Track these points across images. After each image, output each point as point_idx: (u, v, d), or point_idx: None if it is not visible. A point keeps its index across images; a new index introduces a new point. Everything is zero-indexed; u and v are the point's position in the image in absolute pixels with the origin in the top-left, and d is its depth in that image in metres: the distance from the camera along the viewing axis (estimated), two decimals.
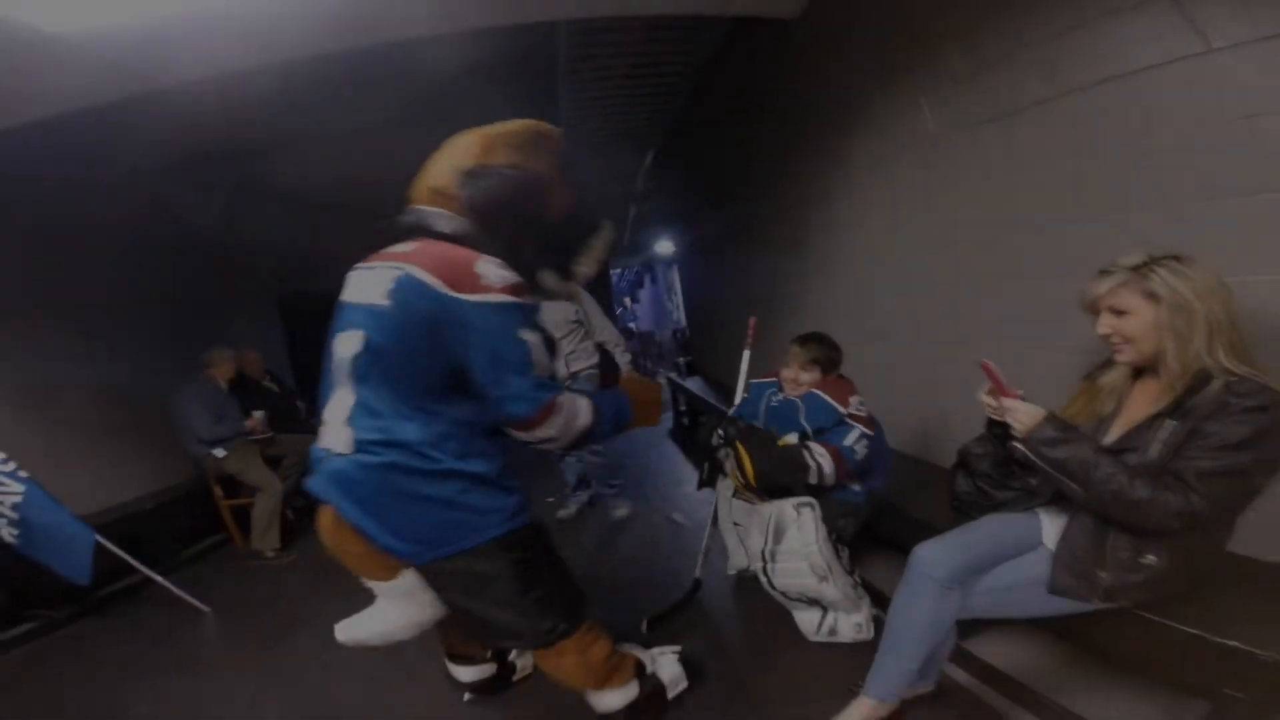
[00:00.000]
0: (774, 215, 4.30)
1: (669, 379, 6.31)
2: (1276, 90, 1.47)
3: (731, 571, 2.66)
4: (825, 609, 2.18)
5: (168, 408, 3.96)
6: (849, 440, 2.15)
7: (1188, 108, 1.63)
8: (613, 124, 5.30)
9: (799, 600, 2.21)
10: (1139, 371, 1.45)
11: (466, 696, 2.09)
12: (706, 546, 2.67)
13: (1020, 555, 1.53)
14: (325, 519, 1.53)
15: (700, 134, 5.64)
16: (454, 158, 1.56)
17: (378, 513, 1.46)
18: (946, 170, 2.53)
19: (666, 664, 1.93)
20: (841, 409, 2.19)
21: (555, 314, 3.24)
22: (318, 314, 6.41)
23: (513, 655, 2.14)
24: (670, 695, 1.89)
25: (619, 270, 15.63)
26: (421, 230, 1.55)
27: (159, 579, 3.21)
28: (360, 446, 1.45)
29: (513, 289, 1.45)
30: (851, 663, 1.79)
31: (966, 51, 2.27)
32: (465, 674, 2.04)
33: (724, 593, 2.67)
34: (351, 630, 1.69)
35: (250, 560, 3.90)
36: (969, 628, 1.99)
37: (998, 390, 1.46)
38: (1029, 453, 1.41)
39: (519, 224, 1.59)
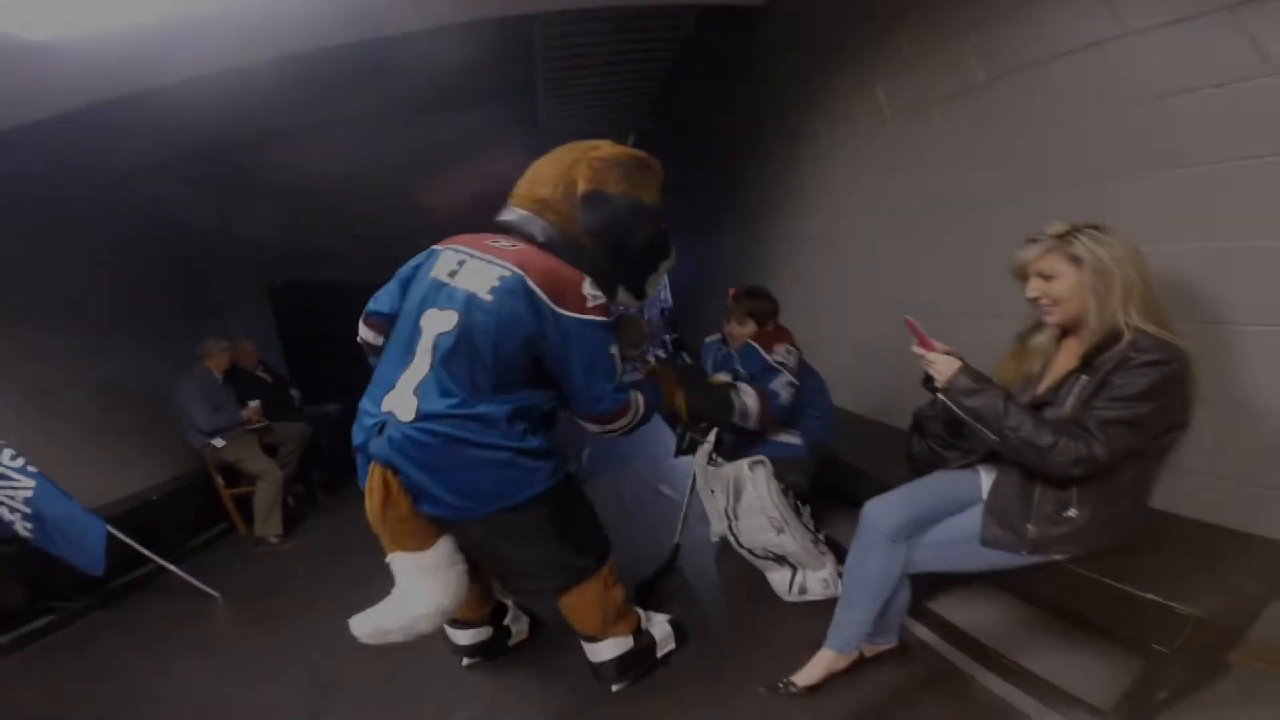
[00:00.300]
0: (749, 192, 4.42)
1: (656, 356, 6.44)
2: (1183, 70, 1.58)
3: (714, 539, 2.81)
4: (795, 568, 2.34)
5: (169, 400, 4.06)
6: (774, 385, 2.35)
7: (1107, 89, 1.75)
8: (591, 108, 5.36)
9: (766, 559, 2.37)
10: (1064, 333, 1.57)
11: (465, 661, 2.23)
12: (685, 513, 2.82)
13: (962, 510, 1.65)
14: (374, 481, 1.63)
15: (678, 115, 5.72)
16: (567, 174, 1.70)
17: (441, 473, 1.60)
18: (899, 150, 2.66)
19: (659, 623, 2.08)
20: (767, 356, 2.40)
21: None
22: (307, 304, 6.57)
23: (508, 619, 2.28)
24: (659, 654, 2.04)
25: None
26: (522, 233, 1.72)
27: (171, 567, 3.31)
28: (426, 416, 1.58)
29: (604, 309, 1.66)
30: (822, 619, 1.91)
31: (914, 38, 2.39)
32: (462, 637, 2.17)
33: (704, 558, 2.83)
34: (371, 622, 1.71)
35: (254, 547, 4.01)
36: (932, 589, 2.16)
37: (921, 343, 1.60)
38: (948, 402, 1.55)
39: (621, 250, 1.77)
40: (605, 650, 1.92)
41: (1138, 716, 1.52)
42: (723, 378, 2.43)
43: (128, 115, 3.32)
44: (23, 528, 2.97)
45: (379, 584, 2.81)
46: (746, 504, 2.30)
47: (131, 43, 2.40)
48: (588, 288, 1.64)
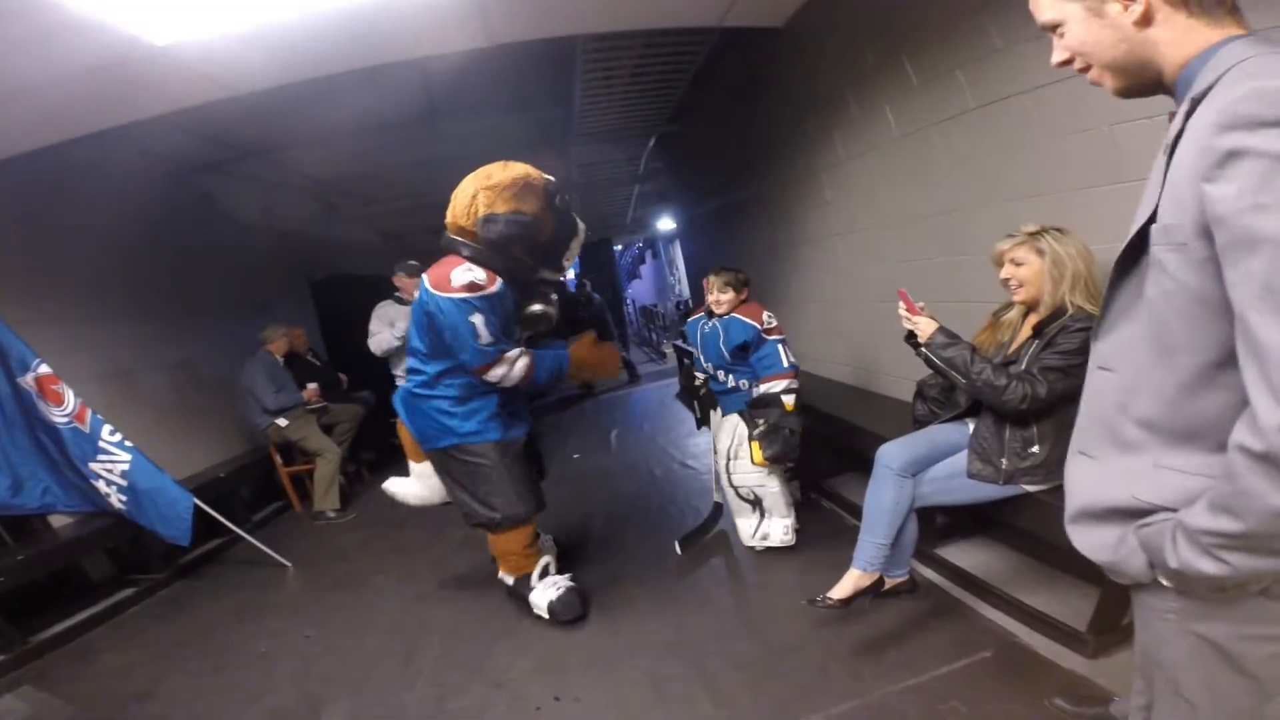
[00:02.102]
0: (768, 194, 4.71)
1: (674, 346, 6.81)
2: (1125, 106, 1.88)
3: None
4: (762, 515, 2.84)
5: (230, 384, 4.37)
6: (781, 351, 2.82)
7: (1070, 117, 2.08)
8: (620, 112, 5.65)
9: (746, 500, 2.86)
10: (1028, 311, 1.99)
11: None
12: (716, 476, 3.14)
13: (954, 453, 2.07)
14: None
15: (700, 120, 5.99)
16: (470, 205, 2.27)
17: (409, 416, 2.52)
18: (904, 165, 2.98)
19: (544, 589, 2.59)
20: (758, 325, 2.81)
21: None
22: (343, 296, 6.92)
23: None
24: (536, 609, 2.58)
25: (621, 248, 16.07)
26: (452, 251, 2.34)
27: (249, 538, 3.62)
28: (408, 380, 2.50)
29: (471, 287, 2.22)
30: (761, 564, 2.53)
31: (919, 66, 2.70)
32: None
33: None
34: (395, 487, 2.84)
35: (314, 521, 4.33)
36: (940, 539, 2.55)
37: (908, 309, 2.05)
38: (928, 354, 2.00)
39: (521, 247, 2.33)
40: (508, 578, 2.68)
41: (1107, 630, 1.87)
42: (759, 423, 2.77)
43: (192, 119, 3.61)
44: (117, 500, 3.24)
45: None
46: (745, 447, 2.79)
47: (237, 49, 2.64)
48: (459, 273, 2.23)
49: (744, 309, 2.87)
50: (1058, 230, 1.88)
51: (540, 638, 2.49)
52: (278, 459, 4.54)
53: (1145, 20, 0.83)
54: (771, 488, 2.81)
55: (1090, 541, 1.00)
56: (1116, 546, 0.95)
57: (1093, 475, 1.00)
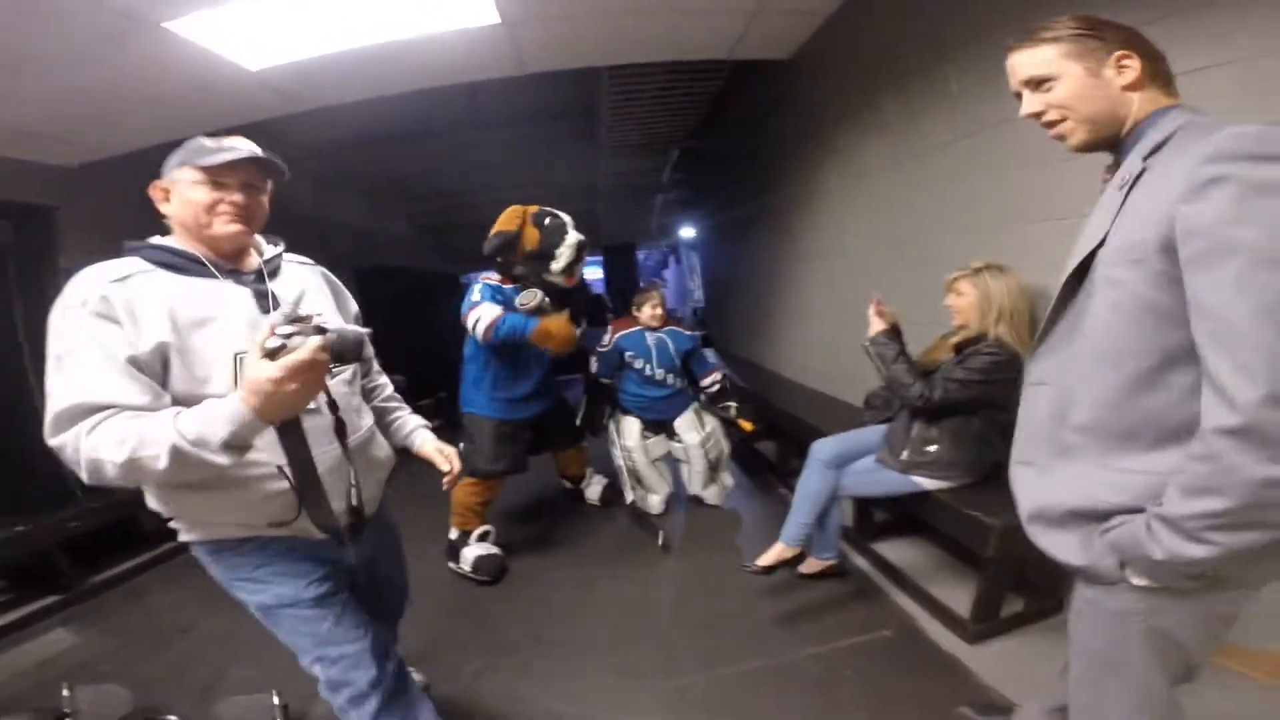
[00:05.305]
0: (775, 210, 5.07)
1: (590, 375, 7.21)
2: (1057, 145, 2.11)
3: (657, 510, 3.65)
4: (717, 472, 3.61)
5: None
6: (710, 357, 3.87)
7: (1024, 154, 2.29)
8: (643, 128, 6.06)
9: (714, 466, 3.58)
10: None
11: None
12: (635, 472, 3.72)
13: (874, 452, 2.45)
14: None
15: (718, 136, 6.39)
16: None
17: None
18: (887, 192, 3.31)
19: (476, 546, 3.10)
20: (690, 333, 3.65)
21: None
22: (386, 286, 7.46)
23: (585, 482, 3.92)
24: (472, 541, 3.11)
25: (645, 251, 16.64)
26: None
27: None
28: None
29: (486, 279, 3.04)
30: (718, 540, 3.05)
31: (900, 102, 3.05)
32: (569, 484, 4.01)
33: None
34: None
35: None
36: (878, 532, 2.92)
37: (876, 310, 2.41)
38: (867, 345, 2.36)
39: (513, 254, 2.98)
40: (452, 533, 3.18)
41: (985, 621, 2.21)
42: (732, 405, 3.60)
43: (258, 124, 4.07)
44: None
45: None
46: (712, 430, 3.53)
47: (311, 72, 3.13)
48: (483, 275, 3.12)
49: (670, 320, 3.61)
50: (997, 268, 2.20)
51: (524, 595, 2.90)
52: None
53: (1134, 84, 1.01)
54: (725, 448, 3.68)
55: (1053, 544, 1.07)
56: (1084, 549, 1.01)
57: (1038, 481, 1.10)
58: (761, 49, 3.88)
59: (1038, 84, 1.06)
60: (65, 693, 1.94)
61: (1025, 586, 2.28)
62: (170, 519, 1.36)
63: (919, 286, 3.08)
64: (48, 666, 2.66)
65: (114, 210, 4.16)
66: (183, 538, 1.38)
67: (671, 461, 3.77)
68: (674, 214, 11.09)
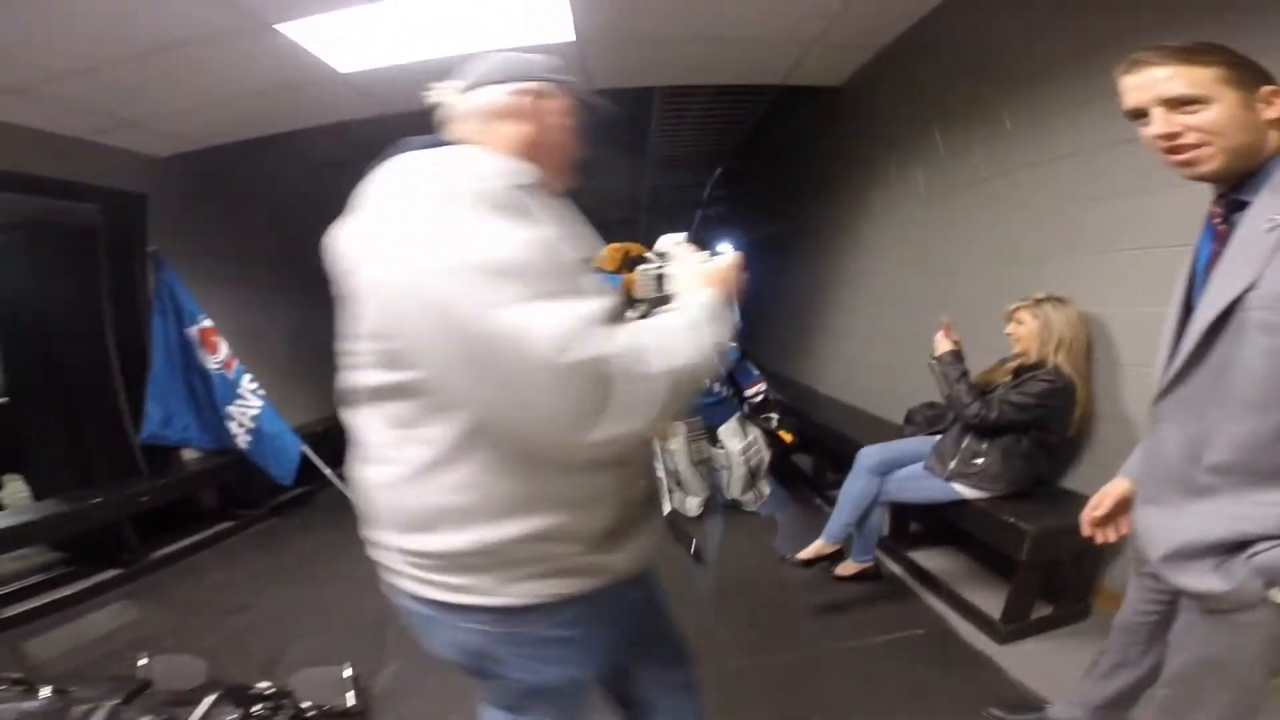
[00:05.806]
0: (817, 232, 5.21)
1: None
2: (1109, 182, 2.23)
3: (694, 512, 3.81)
4: (757, 480, 3.74)
5: (327, 348, 5.05)
6: (752, 368, 3.98)
7: (1062, 193, 2.48)
8: (688, 144, 6.25)
9: (754, 473, 3.68)
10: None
11: None
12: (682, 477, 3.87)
13: (920, 461, 2.56)
14: None
15: (760, 155, 6.53)
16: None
17: None
18: (928, 223, 3.44)
19: None
20: (737, 346, 3.72)
21: None
22: None
23: None
24: None
25: None
26: None
27: (339, 483, 3.91)
28: None
29: None
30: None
31: (946, 136, 3.18)
32: None
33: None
34: None
35: None
36: (913, 542, 3.03)
37: (945, 331, 2.49)
38: (934, 362, 2.46)
39: None
40: None
41: (1015, 622, 2.31)
42: (774, 417, 3.80)
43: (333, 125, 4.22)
44: (243, 440, 3.86)
45: None
46: (754, 439, 3.68)
47: (395, 76, 3.23)
48: None
49: None
50: (1059, 299, 2.33)
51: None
52: None
53: (1277, 121, 0.99)
54: (767, 457, 3.77)
55: (1193, 578, 1.07)
56: (1227, 577, 1.02)
57: (1172, 522, 1.11)
58: (815, 76, 4.03)
59: (1180, 104, 0.99)
60: (142, 662, 2.00)
61: (1055, 593, 2.38)
62: None
63: (960, 316, 3.21)
64: (111, 638, 2.81)
65: (195, 201, 4.50)
66: None
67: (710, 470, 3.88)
68: (712, 229, 11.25)
